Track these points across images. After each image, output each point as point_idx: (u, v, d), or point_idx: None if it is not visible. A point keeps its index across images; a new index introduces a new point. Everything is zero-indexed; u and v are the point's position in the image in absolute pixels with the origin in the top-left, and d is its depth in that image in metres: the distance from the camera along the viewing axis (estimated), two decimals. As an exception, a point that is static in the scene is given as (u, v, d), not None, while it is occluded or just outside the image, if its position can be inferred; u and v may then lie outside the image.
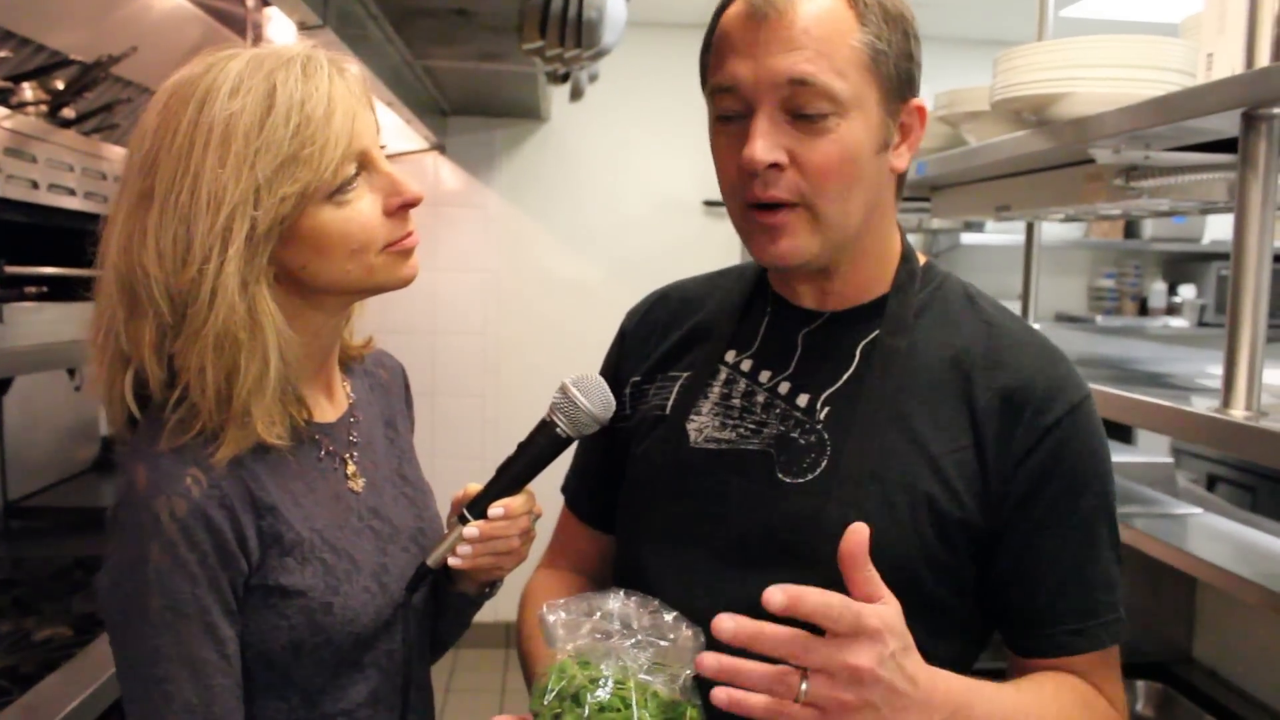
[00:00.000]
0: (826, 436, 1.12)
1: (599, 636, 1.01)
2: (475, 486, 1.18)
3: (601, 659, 1.00)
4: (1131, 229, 4.71)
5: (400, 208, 1.10)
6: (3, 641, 1.84)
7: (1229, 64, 1.56)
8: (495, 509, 1.14)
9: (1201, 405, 1.48)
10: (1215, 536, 1.06)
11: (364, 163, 1.08)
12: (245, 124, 1.01)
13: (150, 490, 1.01)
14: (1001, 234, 4.15)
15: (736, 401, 1.19)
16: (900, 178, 1.16)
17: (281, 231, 1.03)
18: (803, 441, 1.13)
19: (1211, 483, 3.15)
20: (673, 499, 1.19)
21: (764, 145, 1.05)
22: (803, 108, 1.04)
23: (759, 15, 1.05)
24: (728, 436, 1.17)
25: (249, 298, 1.02)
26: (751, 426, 1.17)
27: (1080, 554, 1.10)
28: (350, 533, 1.15)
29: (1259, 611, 1.89)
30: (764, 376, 1.19)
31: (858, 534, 0.91)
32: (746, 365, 1.21)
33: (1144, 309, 4.89)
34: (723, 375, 1.22)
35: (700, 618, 1.03)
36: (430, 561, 1.16)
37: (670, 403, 1.24)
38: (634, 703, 0.96)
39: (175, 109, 1.03)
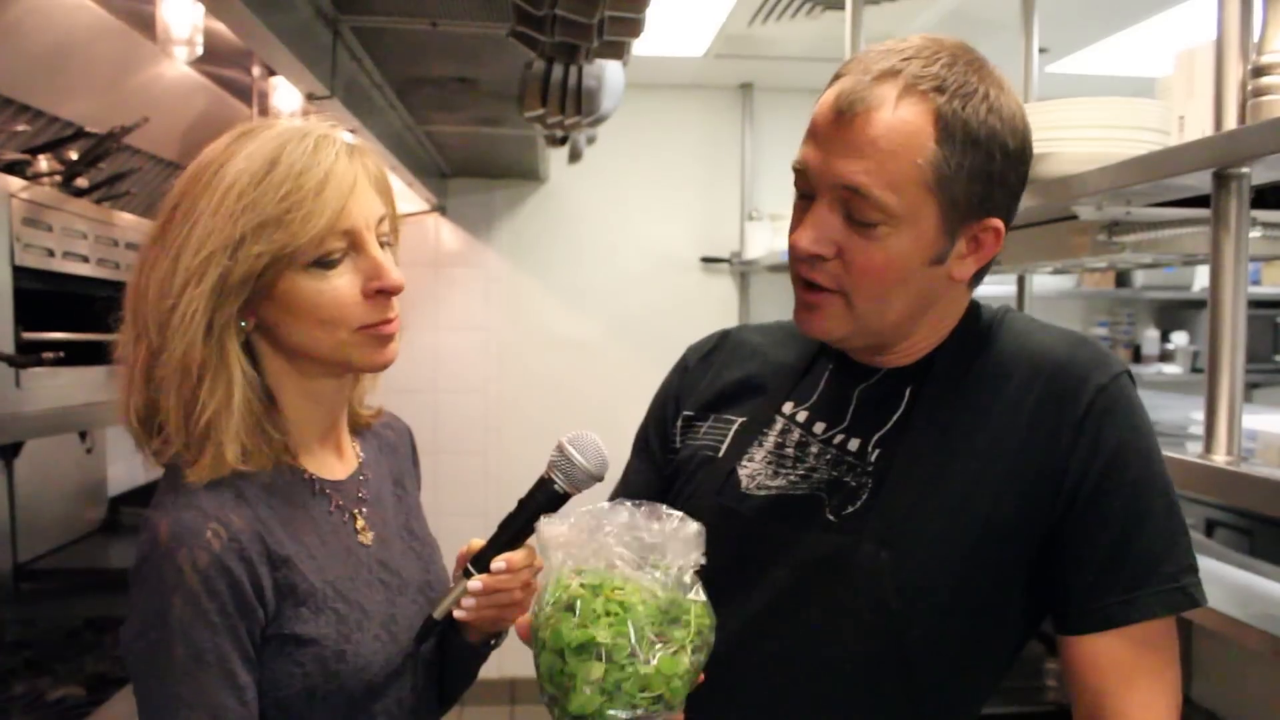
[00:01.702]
0: (876, 475, 1.15)
1: (590, 549, 1.02)
2: (479, 542, 1.22)
3: (592, 561, 1.01)
4: (1123, 278, 4.76)
5: (377, 293, 1.14)
6: (17, 702, 1.87)
7: (1199, 126, 1.62)
8: (498, 563, 1.18)
9: (1186, 452, 1.52)
10: (1212, 580, 1.08)
11: (353, 242, 1.13)
12: (244, 182, 1.08)
13: (173, 543, 1.05)
14: (993, 285, 4.20)
15: (789, 451, 1.22)
16: (979, 273, 1.19)
17: (258, 286, 1.10)
18: (854, 484, 1.16)
19: (1210, 527, 3.16)
20: (719, 541, 1.19)
21: (810, 236, 1.11)
22: (854, 212, 1.08)
23: (843, 112, 1.08)
24: (779, 484, 1.20)
25: (216, 339, 1.09)
26: (801, 473, 1.19)
27: (1129, 525, 1.09)
28: (361, 584, 1.19)
29: (1256, 655, 1.91)
30: (818, 428, 1.22)
31: None
32: (802, 416, 1.24)
33: (1137, 356, 4.93)
34: (778, 425, 1.25)
35: (739, 661, 1.07)
36: (436, 614, 1.20)
37: (724, 446, 1.26)
38: (633, 604, 0.97)
39: (205, 162, 1.12)
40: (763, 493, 1.20)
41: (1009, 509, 1.11)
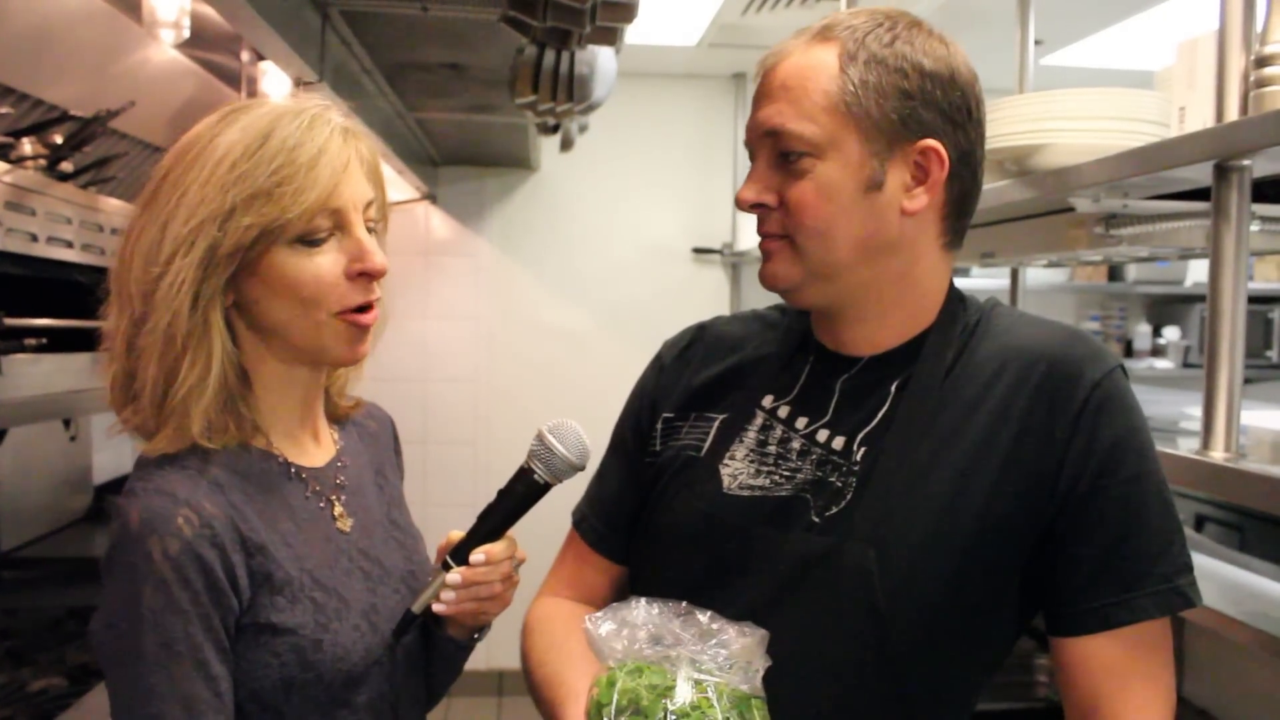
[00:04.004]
0: (861, 475, 1.13)
1: (654, 645, 1.03)
2: (458, 534, 1.20)
3: (673, 664, 1.01)
4: (1115, 272, 4.77)
5: (359, 275, 1.13)
6: (-3, 693, 1.85)
7: (1200, 117, 1.60)
8: (477, 555, 1.17)
9: (1182, 447, 1.50)
10: (1203, 576, 1.07)
11: (340, 223, 1.12)
12: (236, 153, 1.08)
13: (143, 530, 1.03)
14: (987, 279, 4.20)
15: (772, 448, 1.20)
16: (948, 219, 1.17)
17: (244, 260, 1.09)
18: (839, 484, 1.14)
19: (1199, 523, 3.16)
20: (702, 544, 1.19)
21: (751, 189, 1.16)
22: (783, 151, 1.12)
23: (760, 74, 1.17)
24: (762, 484, 1.18)
25: (201, 311, 1.08)
26: (785, 474, 1.17)
27: (1123, 525, 1.08)
28: (340, 573, 1.17)
29: (1248, 651, 1.91)
30: (800, 423, 1.20)
31: None
32: (784, 411, 1.22)
33: (1129, 351, 4.93)
34: (759, 420, 1.23)
35: None
36: (415, 608, 1.18)
37: (706, 445, 1.24)
38: (715, 701, 0.98)
39: (197, 134, 1.11)
40: (745, 493, 1.18)
41: (1001, 508, 1.09)
